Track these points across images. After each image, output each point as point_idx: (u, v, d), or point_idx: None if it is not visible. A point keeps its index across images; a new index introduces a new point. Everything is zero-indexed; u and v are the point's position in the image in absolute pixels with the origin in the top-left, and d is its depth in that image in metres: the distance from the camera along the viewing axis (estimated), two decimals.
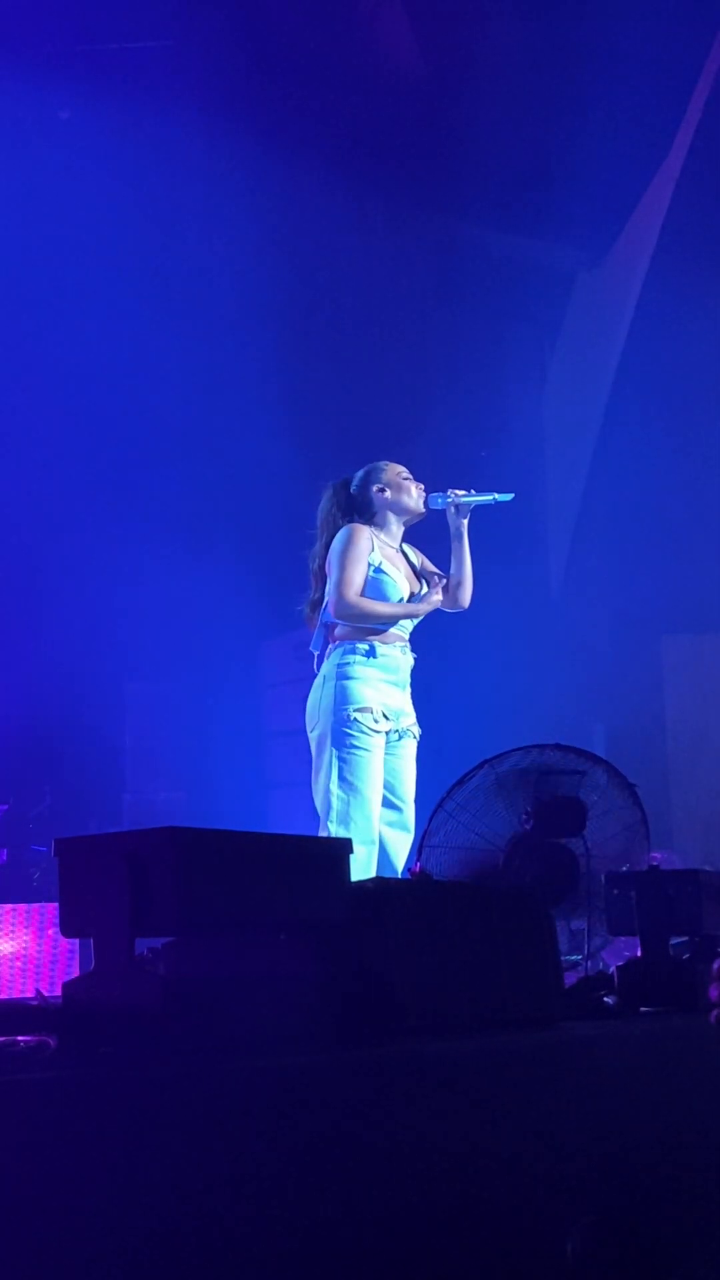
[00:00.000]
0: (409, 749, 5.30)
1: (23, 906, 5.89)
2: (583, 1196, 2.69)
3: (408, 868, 4.93)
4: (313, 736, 5.24)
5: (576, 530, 8.50)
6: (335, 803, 5.06)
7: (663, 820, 4.29)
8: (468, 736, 6.17)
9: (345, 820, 5.04)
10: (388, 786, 5.19)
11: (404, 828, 5.22)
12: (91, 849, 2.52)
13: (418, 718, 5.28)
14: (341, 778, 5.08)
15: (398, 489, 5.41)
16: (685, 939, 3.60)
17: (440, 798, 3.98)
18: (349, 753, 5.10)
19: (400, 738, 5.26)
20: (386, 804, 5.18)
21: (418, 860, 4.00)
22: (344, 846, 2.85)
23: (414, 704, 5.29)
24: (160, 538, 8.25)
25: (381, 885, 2.79)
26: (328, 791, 5.10)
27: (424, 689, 7.65)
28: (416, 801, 5.21)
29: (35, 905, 5.88)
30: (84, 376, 8.12)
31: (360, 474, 5.46)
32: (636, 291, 8.57)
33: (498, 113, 8.23)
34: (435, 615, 5.54)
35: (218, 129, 8.30)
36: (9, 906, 5.92)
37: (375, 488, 5.41)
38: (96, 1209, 2.07)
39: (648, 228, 8.58)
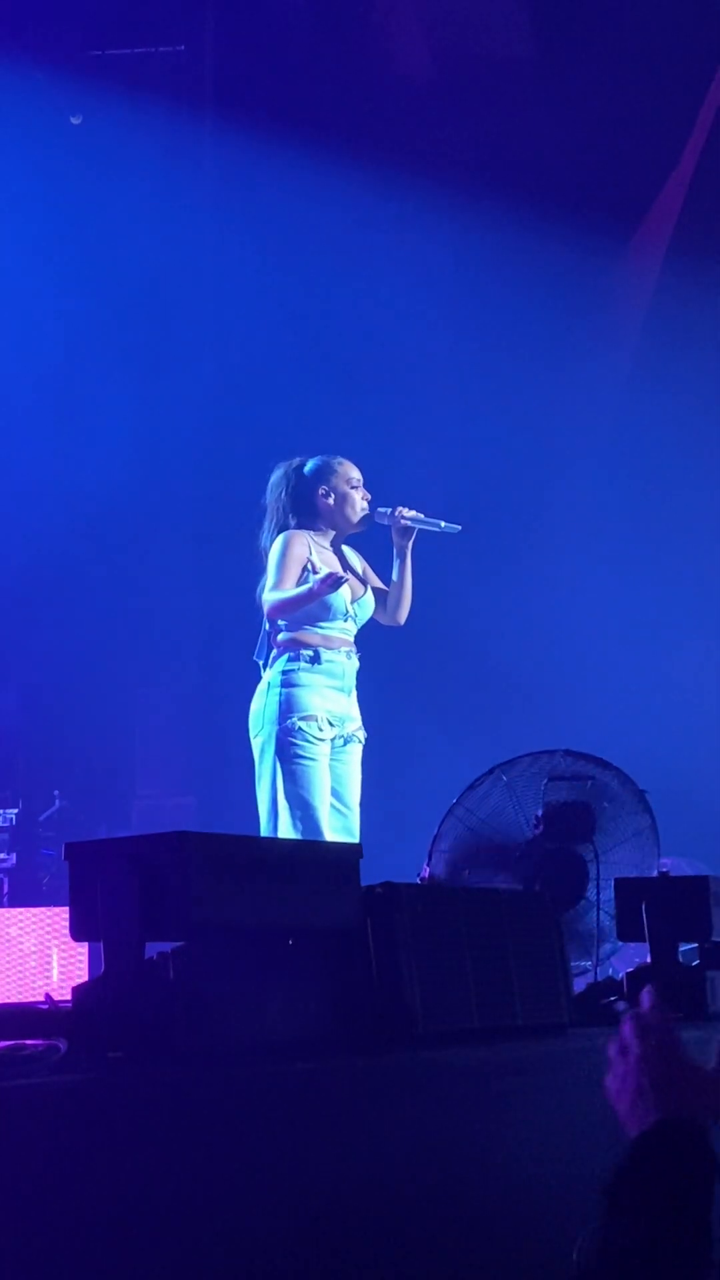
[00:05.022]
0: (354, 754, 5.29)
1: (33, 910, 5.89)
2: (591, 1203, 2.69)
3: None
4: (255, 743, 5.22)
5: (588, 535, 8.49)
6: (281, 813, 5.05)
7: (672, 826, 4.28)
8: (478, 742, 6.18)
9: (292, 831, 5.02)
10: (334, 793, 5.19)
11: (349, 833, 5.21)
12: (102, 853, 2.53)
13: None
14: (287, 788, 5.06)
15: (342, 498, 5.38)
16: (694, 945, 3.60)
17: (451, 803, 3.98)
18: (294, 763, 5.08)
19: (345, 743, 5.25)
20: (332, 810, 5.17)
21: (427, 865, 4.00)
22: (354, 852, 2.85)
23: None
24: (170, 542, 8.26)
25: (391, 891, 2.79)
26: (273, 802, 5.08)
27: (435, 694, 7.66)
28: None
29: (45, 909, 5.88)
30: (90, 382, 8.13)
31: (313, 466, 5.42)
32: (649, 295, 8.57)
33: (507, 116, 8.23)
34: (443, 623, 5.56)
35: (230, 134, 8.31)
36: (19, 910, 5.93)
37: (320, 490, 5.38)
38: (104, 1214, 2.07)
39: (659, 233, 8.57)
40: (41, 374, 8.06)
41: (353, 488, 5.40)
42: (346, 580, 5.17)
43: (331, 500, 5.37)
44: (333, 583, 5.05)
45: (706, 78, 8.33)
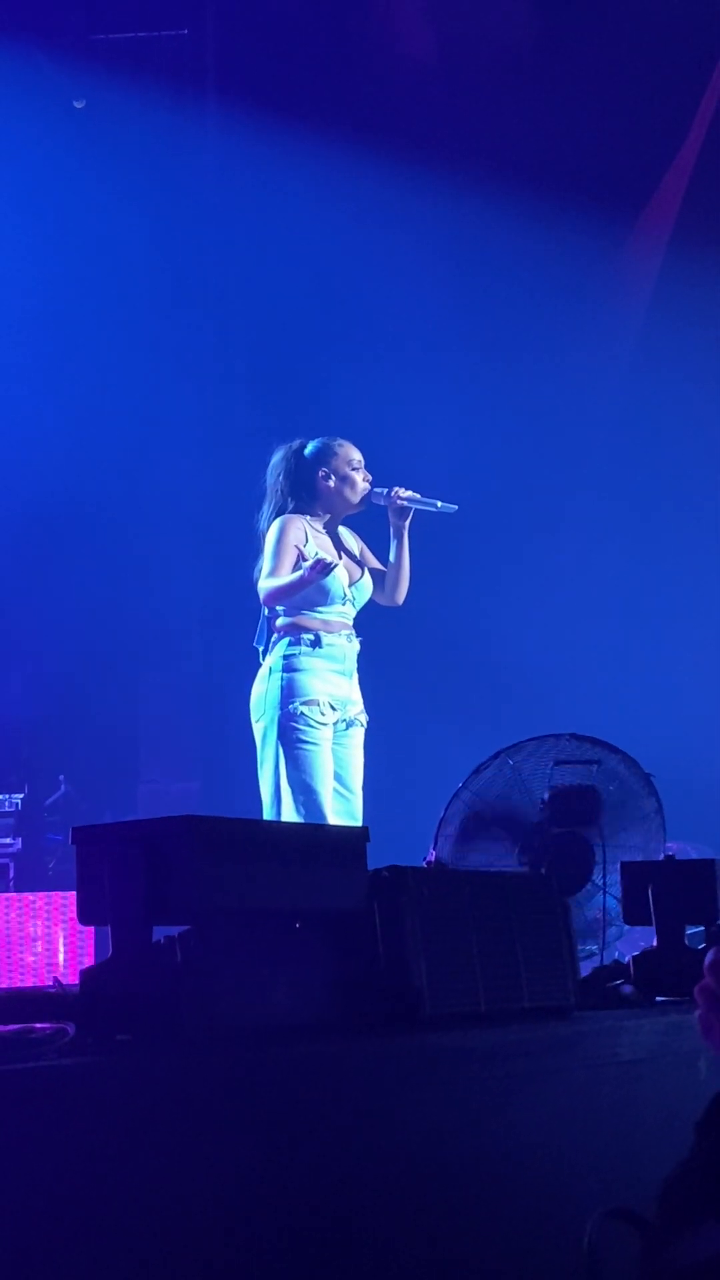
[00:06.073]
0: (356, 737, 5.30)
1: (40, 895, 5.91)
2: (599, 1186, 2.69)
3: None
4: (257, 728, 5.23)
5: (590, 518, 8.48)
6: (284, 797, 5.06)
7: (679, 810, 4.28)
8: (482, 726, 6.17)
9: (295, 815, 5.03)
10: (336, 777, 5.19)
11: (352, 816, 5.22)
12: (109, 837, 2.53)
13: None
14: (290, 773, 5.08)
15: (342, 479, 5.38)
16: (701, 928, 3.60)
17: (456, 787, 3.98)
18: (297, 748, 5.10)
19: (348, 727, 5.26)
20: (334, 793, 5.18)
21: (433, 849, 4.00)
22: (361, 836, 2.85)
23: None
24: (171, 527, 8.26)
25: (397, 874, 2.79)
26: (276, 787, 5.09)
27: (438, 678, 7.65)
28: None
29: (52, 894, 5.90)
30: (91, 365, 8.12)
31: (313, 448, 5.42)
32: (653, 278, 8.54)
33: (510, 100, 8.20)
34: (445, 605, 5.54)
35: (232, 118, 8.29)
36: (26, 895, 5.94)
37: (320, 472, 5.38)
38: (112, 1196, 2.07)
39: (663, 217, 8.54)
40: (42, 357, 8.05)
41: (353, 470, 5.41)
42: (337, 565, 5.17)
43: (331, 482, 5.38)
44: (322, 569, 5.06)
45: (710, 62, 8.30)
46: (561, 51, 8.25)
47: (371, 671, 5.49)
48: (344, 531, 5.49)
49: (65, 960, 5.71)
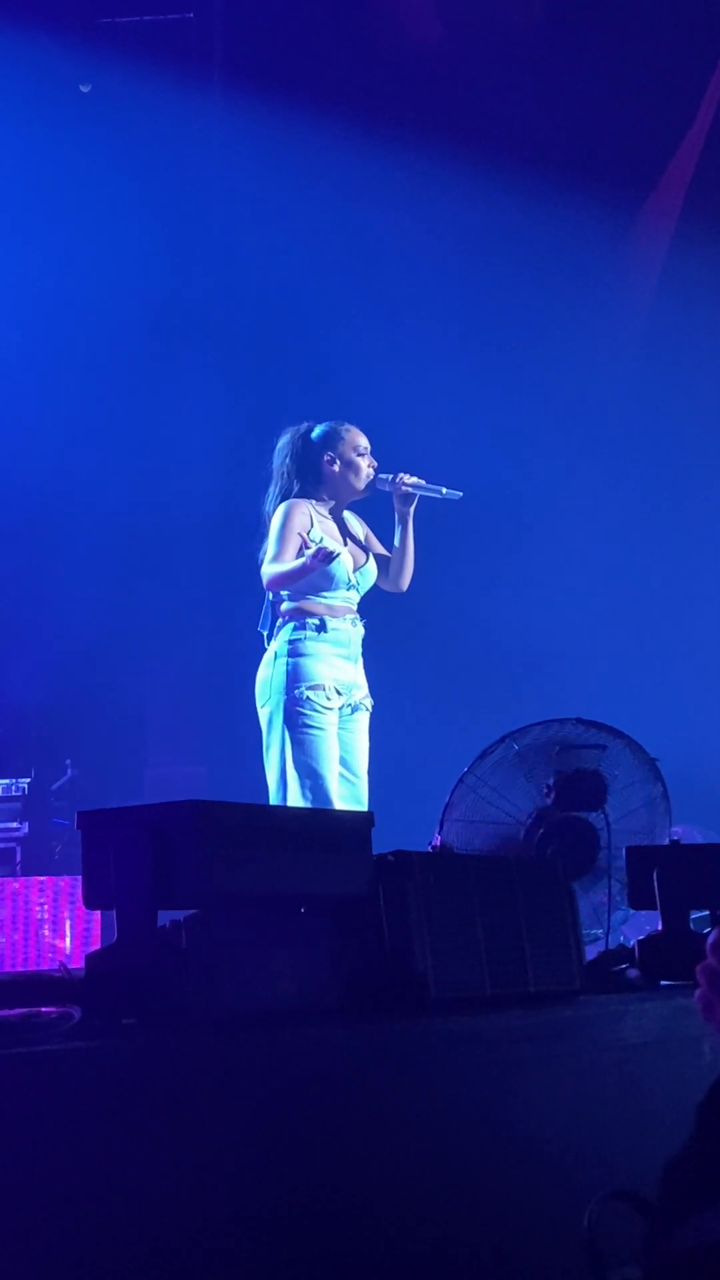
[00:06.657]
0: (361, 722, 5.31)
1: (47, 879, 5.92)
2: (602, 1170, 2.70)
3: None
4: (263, 713, 5.23)
5: (596, 503, 8.47)
6: (290, 782, 5.07)
7: (683, 795, 4.28)
8: (486, 710, 6.18)
9: (301, 800, 5.04)
10: (342, 761, 5.20)
11: (357, 801, 5.23)
12: (115, 821, 2.54)
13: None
14: (296, 757, 5.08)
15: (348, 465, 5.38)
16: (706, 913, 3.60)
17: (462, 772, 3.98)
18: (302, 733, 5.10)
19: (353, 711, 5.26)
20: (340, 778, 5.19)
21: (438, 834, 4.00)
22: (366, 820, 2.85)
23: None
24: (180, 508, 8.25)
25: (403, 859, 2.80)
26: (282, 771, 5.09)
27: (442, 662, 7.64)
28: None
29: (59, 878, 5.91)
30: (93, 350, 8.11)
31: (320, 432, 5.42)
32: (660, 264, 8.52)
33: (517, 83, 8.18)
34: (450, 590, 5.52)
35: (237, 101, 8.27)
36: (33, 879, 5.95)
37: (326, 457, 5.38)
38: (116, 1178, 2.08)
39: (671, 200, 8.52)
40: (46, 341, 8.05)
41: (359, 455, 5.41)
42: (340, 554, 5.17)
43: (337, 467, 5.38)
44: (324, 557, 5.05)
45: (718, 45, 8.27)
46: (568, 33, 8.23)
47: (376, 656, 5.50)
48: (349, 516, 5.49)
49: (71, 944, 5.72)
